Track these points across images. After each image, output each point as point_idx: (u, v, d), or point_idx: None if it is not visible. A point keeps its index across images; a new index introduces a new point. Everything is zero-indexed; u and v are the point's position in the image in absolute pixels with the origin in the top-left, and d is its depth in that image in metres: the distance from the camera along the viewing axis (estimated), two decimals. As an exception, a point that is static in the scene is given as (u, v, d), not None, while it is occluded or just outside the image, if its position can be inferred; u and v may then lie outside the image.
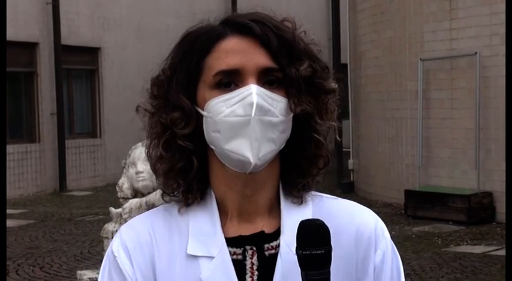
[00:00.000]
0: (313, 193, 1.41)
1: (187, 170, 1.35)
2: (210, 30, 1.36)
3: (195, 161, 1.35)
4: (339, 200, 1.44)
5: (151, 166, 1.39)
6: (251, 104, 1.28)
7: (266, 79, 1.32)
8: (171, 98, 1.34)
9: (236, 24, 1.34)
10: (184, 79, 1.34)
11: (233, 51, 1.32)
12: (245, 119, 1.29)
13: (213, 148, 1.33)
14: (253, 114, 1.28)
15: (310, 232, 1.22)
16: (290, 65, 1.32)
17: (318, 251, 1.21)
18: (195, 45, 1.35)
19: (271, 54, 1.32)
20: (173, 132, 1.34)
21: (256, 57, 1.32)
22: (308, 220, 1.25)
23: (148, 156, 1.38)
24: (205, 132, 1.33)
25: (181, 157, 1.34)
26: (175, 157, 1.35)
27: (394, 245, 1.43)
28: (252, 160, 1.29)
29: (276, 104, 1.31)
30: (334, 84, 1.37)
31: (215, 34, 1.34)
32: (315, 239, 1.22)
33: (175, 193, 1.38)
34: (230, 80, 1.31)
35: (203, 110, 1.33)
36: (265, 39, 1.32)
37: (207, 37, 1.34)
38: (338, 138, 1.42)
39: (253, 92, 1.29)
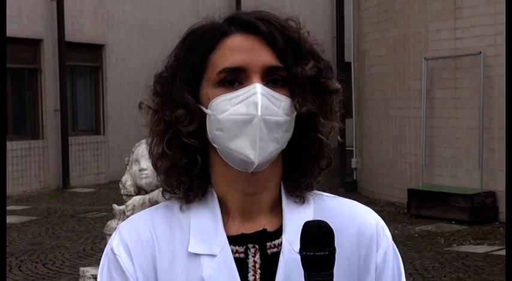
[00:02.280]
0: (314, 192, 1.41)
1: (191, 168, 1.34)
2: (214, 27, 1.34)
3: (198, 159, 1.34)
4: (340, 199, 1.44)
5: (152, 163, 1.38)
6: (256, 103, 1.27)
7: (270, 78, 1.31)
8: (174, 95, 1.33)
9: (241, 22, 1.33)
10: (188, 76, 1.33)
11: (238, 48, 1.31)
12: (248, 117, 1.28)
13: (215, 146, 1.32)
14: (259, 113, 1.27)
15: (314, 233, 1.22)
16: (295, 64, 1.31)
17: (322, 253, 1.20)
18: (200, 42, 1.33)
19: (277, 53, 1.31)
20: (176, 130, 1.33)
21: (262, 56, 1.31)
22: (312, 221, 1.25)
23: (150, 153, 1.38)
24: (208, 131, 1.32)
25: (184, 154, 1.33)
26: (178, 155, 1.33)
27: (394, 244, 1.43)
28: (254, 160, 1.28)
29: (280, 103, 1.30)
30: (338, 85, 1.37)
31: (220, 31, 1.33)
32: (318, 240, 1.21)
33: (176, 190, 1.37)
34: (234, 78, 1.30)
35: (207, 108, 1.31)
36: (271, 37, 1.31)
37: (212, 34, 1.33)
38: (340, 139, 1.41)
39: (258, 91, 1.28)
